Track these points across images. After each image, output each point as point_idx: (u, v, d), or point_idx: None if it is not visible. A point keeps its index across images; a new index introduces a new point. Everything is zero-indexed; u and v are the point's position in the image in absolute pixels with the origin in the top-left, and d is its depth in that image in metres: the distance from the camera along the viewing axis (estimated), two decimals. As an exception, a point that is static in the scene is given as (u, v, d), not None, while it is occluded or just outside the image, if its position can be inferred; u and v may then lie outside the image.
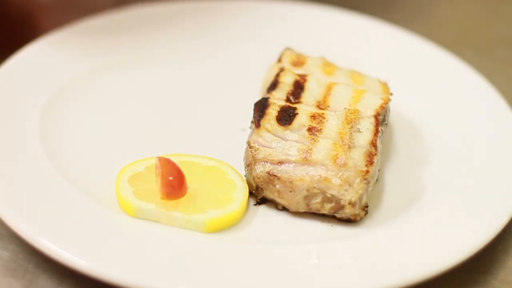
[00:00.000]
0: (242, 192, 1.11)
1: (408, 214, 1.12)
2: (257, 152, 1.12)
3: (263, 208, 1.13)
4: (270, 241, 1.08)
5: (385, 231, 1.09)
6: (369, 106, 1.19)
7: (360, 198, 1.09)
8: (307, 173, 1.09)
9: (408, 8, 1.76)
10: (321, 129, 1.13)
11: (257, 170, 1.11)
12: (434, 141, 1.27)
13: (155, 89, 1.34)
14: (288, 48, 1.32)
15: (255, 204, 1.14)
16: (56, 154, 1.16)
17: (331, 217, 1.12)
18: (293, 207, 1.11)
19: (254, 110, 1.17)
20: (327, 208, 1.10)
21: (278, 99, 1.19)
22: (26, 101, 1.23)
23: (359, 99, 1.20)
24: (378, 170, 1.15)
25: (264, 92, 1.23)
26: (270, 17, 1.50)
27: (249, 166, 1.13)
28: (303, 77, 1.23)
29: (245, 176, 1.14)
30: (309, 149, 1.11)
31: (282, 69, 1.25)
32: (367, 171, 1.09)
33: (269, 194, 1.12)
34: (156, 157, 1.10)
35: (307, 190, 1.09)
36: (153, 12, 1.47)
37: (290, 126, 1.14)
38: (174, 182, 1.07)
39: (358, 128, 1.14)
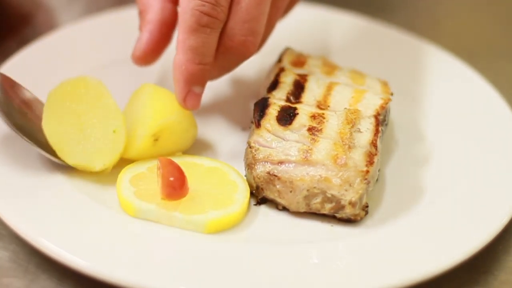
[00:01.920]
0: (243, 193, 1.11)
1: (408, 214, 1.12)
2: (257, 152, 1.12)
3: (263, 208, 1.13)
4: (270, 241, 1.07)
5: (385, 231, 1.09)
6: (369, 106, 1.19)
7: (360, 198, 1.09)
8: (307, 173, 1.09)
9: (408, 8, 1.76)
10: (321, 129, 1.13)
11: (258, 170, 1.11)
12: (434, 141, 1.27)
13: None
14: (288, 48, 1.32)
15: (255, 204, 1.14)
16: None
17: (331, 217, 1.12)
18: (293, 207, 1.11)
19: (254, 110, 1.17)
20: (327, 208, 1.10)
21: (278, 99, 1.19)
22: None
23: (359, 99, 1.20)
24: (378, 170, 1.16)
25: (264, 92, 1.23)
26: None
27: (249, 166, 1.13)
28: (303, 77, 1.23)
29: (245, 176, 1.14)
30: (310, 149, 1.11)
31: (282, 69, 1.25)
32: (367, 171, 1.09)
33: (270, 194, 1.12)
34: (158, 158, 1.11)
35: (307, 190, 1.09)
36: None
37: (290, 126, 1.13)
38: (175, 183, 1.07)
39: (359, 128, 1.14)
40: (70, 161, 1.11)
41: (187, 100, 1.15)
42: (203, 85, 1.16)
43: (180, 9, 1.15)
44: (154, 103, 1.14)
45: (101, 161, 1.10)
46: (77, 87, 1.13)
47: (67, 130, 1.11)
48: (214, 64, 1.15)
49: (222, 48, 1.13)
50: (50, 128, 1.11)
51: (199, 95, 1.16)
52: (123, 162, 1.14)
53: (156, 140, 1.14)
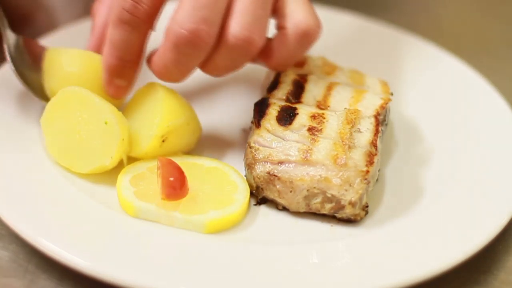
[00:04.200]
0: (243, 193, 1.11)
1: (408, 214, 1.12)
2: (257, 152, 1.12)
3: (263, 208, 1.13)
4: (270, 241, 1.08)
5: (385, 231, 1.09)
6: (369, 106, 1.19)
7: (360, 198, 1.09)
8: (307, 173, 1.09)
9: (408, 8, 1.76)
10: (321, 129, 1.13)
11: (257, 170, 1.11)
12: (434, 141, 1.27)
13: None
14: (288, 48, 1.31)
15: (255, 204, 1.14)
16: (56, 154, 1.16)
17: (331, 217, 1.12)
18: (293, 207, 1.11)
19: (254, 110, 1.17)
20: (327, 208, 1.10)
21: (278, 99, 1.19)
22: (26, 101, 1.23)
23: (359, 99, 1.20)
24: (378, 170, 1.16)
25: (264, 92, 1.23)
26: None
27: (249, 166, 1.13)
28: (303, 77, 1.23)
29: (245, 176, 1.14)
30: (309, 149, 1.11)
31: (282, 69, 1.25)
32: (367, 171, 1.09)
33: (270, 194, 1.12)
34: (158, 158, 1.11)
35: (307, 190, 1.09)
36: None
37: (290, 126, 1.13)
38: (175, 183, 1.07)
39: (358, 128, 1.14)
40: (84, 170, 1.12)
41: (109, 89, 1.17)
42: (125, 79, 1.16)
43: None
44: (165, 104, 1.14)
45: (108, 155, 1.10)
46: (63, 103, 1.13)
47: (69, 145, 1.12)
48: (218, 62, 1.14)
49: (224, 46, 1.12)
50: (54, 149, 1.13)
51: (122, 87, 1.17)
52: (130, 160, 1.14)
53: (163, 141, 1.14)
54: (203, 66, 1.14)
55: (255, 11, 1.10)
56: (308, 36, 1.15)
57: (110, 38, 1.13)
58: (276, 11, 1.16)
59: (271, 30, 1.17)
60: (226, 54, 1.11)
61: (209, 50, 1.10)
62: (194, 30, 1.07)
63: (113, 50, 1.14)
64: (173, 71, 1.12)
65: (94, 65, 1.18)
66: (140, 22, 1.12)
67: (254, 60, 1.19)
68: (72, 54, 1.19)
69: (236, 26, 1.09)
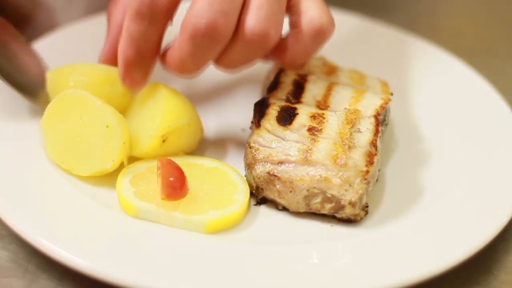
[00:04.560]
0: (243, 193, 1.11)
1: (408, 214, 1.12)
2: (257, 152, 1.12)
3: (263, 208, 1.13)
4: (270, 241, 1.08)
5: (385, 231, 1.09)
6: (369, 106, 1.19)
7: (360, 198, 1.09)
8: (307, 173, 1.09)
9: (408, 8, 1.76)
10: (321, 129, 1.13)
11: (257, 170, 1.11)
12: (434, 141, 1.27)
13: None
14: (288, 48, 1.31)
15: (255, 204, 1.14)
16: (56, 154, 1.16)
17: (331, 217, 1.12)
18: (293, 207, 1.11)
19: (254, 110, 1.17)
20: (327, 208, 1.10)
21: (278, 99, 1.19)
22: (26, 101, 1.23)
23: (359, 99, 1.20)
24: (378, 170, 1.15)
25: (264, 92, 1.23)
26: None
27: (249, 166, 1.13)
28: (303, 77, 1.23)
29: (245, 176, 1.14)
30: (309, 149, 1.11)
31: (282, 69, 1.25)
32: (367, 171, 1.09)
33: (269, 194, 1.12)
34: (158, 158, 1.11)
35: (307, 190, 1.09)
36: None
37: (290, 126, 1.13)
38: (175, 183, 1.07)
39: (358, 128, 1.14)
40: (84, 173, 1.12)
41: (125, 82, 1.17)
42: (142, 71, 1.16)
43: None
44: (166, 104, 1.14)
45: (110, 158, 1.10)
46: (64, 105, 1.13)
47: (69, 148, 1.12)
48: (233, 57, 1.14)
49: (240, 39, 1.12)
50: (54, 152, 1.13)
51: (138, 80, 1.16)
52: (131, 160, 1.14)
53: (164, 141, 1.14)
54: (218, 60, 1.14)
55: (271, 5, 1.11)
56: (322, 34, 1.15)
57: (127, 31, 1.13)
58: (290, 8, 1.16)
59: (285, 29, 1.17)
60: (242, 48, 1.11)
61: (225, 43, 1.10)
62: (211, 22, 1.07)
63: (130, 43, 1.13)
64: (189, 64, 1.12)
65: (100, 77, 1.18)
66: (159, 16, 1.11)
67: (267, 57, 1.19)
68: (76, 71, 1.19)
69: (253, 20, 1.09)
